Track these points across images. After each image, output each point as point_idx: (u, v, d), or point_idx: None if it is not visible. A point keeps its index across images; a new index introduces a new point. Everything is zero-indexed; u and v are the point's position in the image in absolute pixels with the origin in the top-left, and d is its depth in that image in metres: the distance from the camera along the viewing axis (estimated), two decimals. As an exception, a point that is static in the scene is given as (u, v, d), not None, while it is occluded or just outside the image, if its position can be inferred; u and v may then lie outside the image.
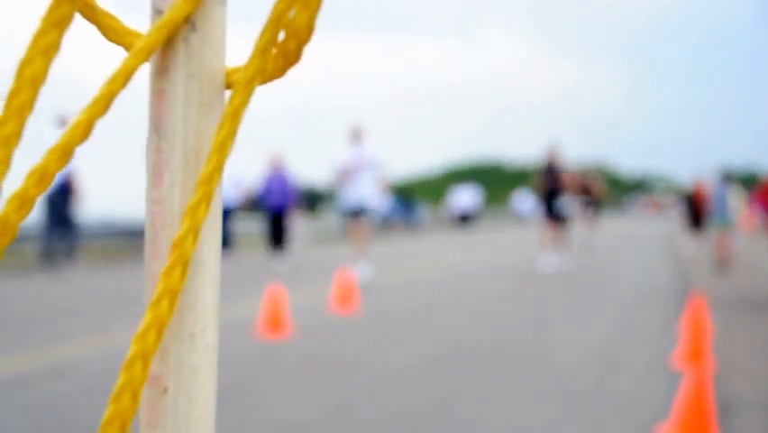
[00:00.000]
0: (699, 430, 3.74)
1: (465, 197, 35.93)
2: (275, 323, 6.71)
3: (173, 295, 0.41)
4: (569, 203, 13.56)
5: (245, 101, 0.43)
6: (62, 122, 11.87)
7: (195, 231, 0.41)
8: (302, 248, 20.75)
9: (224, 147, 0.42)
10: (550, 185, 13.50)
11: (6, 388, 4.76)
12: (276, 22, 0.42)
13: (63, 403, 4.41)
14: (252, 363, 5.61)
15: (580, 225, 20.15)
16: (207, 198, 0.41)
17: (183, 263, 0.41)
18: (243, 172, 15.30)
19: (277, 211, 14.20)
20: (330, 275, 11.02)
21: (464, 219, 35.39)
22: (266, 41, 0.43)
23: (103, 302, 8.77)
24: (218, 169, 0.42)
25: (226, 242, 14.90)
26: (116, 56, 0.42)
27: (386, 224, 31.92)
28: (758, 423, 4.28)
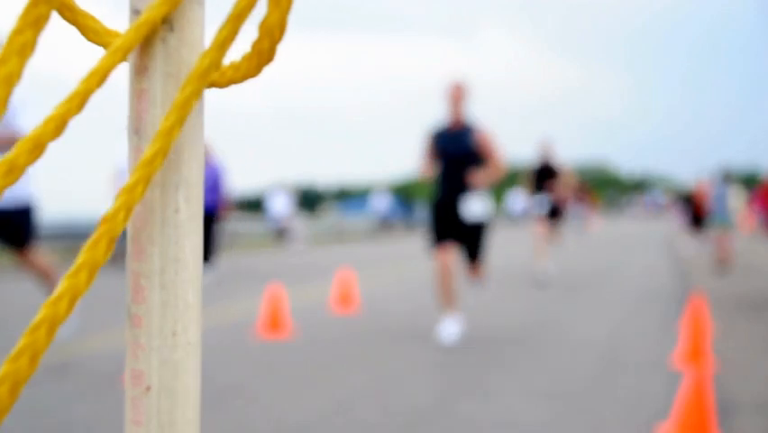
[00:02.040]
0: (699, 430, 3.74)
1: None
2: (275, 323, 6.71)
3: (93, 267, 0.41)
4: (483, 201, 6.66)
5: (196, 93, 0.43)
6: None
7: (127, 209, 0.42)
8: (302, 248, 20.76)
9: (170, 134, 0.42)
10: (452, 167, 6.66)
11: (6, 388, 4.76)
12: (236, 19, 0.43)
13: (63, 403, 4.42)
14: (252, 363, 5.62)
15: (538, 239, 12.03)
16: (146, 180, 0.42)
17: (110, 239, 0.42)
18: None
19: (204, 213, 11.81)
20: (330, 275, 11.02)
21: None
22: (224, 37, 0.43)
23: (101, 302, 8.77)
24: (161, 153, 0.42)
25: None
26: (97, 56, 0.42)
27: (385, 224, 31.95)
28: (758, 423, 4.28)
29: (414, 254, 17.98)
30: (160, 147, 0.42)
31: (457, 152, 6.63)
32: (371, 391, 4.81)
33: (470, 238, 6.69)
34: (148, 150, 0.42)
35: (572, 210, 29.63)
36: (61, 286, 0.40)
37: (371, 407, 4.41)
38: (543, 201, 12.00)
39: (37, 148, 0.38)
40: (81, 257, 0.40)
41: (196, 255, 0.45)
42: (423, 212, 37.24)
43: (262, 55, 0.44)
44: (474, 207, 6.62)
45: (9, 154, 0.37)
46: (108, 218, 0.41)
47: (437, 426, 4.08)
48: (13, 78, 0.36)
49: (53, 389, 4.74)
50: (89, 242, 0.41)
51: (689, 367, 5.30)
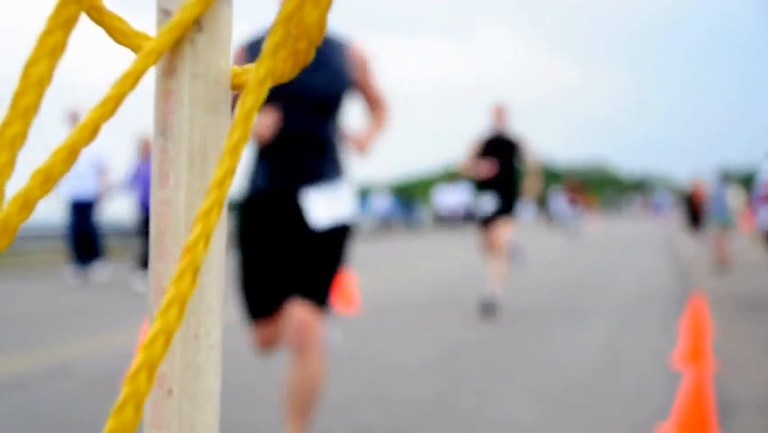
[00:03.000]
0: (699, 430, 3.74)
1: (451, 196, 34.90)
2: (275, 323, 6.71)
3: (183, 302, 0.40)
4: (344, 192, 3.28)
5: (258, 102, 0.43)
6: (74, 119, 10.51)
7: (206, 236, 0.41)
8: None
9: (236, 150, 0.42)
10: (295, 123, 3.22)
11: (6, 388, 4.76)
12: (286, 21, 0.42)
13: (63, 403, 4.41)
14: (253, 363, 5.61)
15: (488, 256, 8.55)
16: (220, 203, 0.41)
17: (194, 269, 0.41)
18: (105, 155, 10.79)
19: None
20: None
21: (451, 219, 34.50)
22: (276, 42, 0.43)
23: (102, 302, 8.77)
24: (231, 172, 0.42)
25: (95, 249, 10.97)
26: (124, 57, 0.42)
27: (385, 224, 31.94)
28: (758, 423, 4.28)
29: (414, 254, 17.98)
30: (228, 167, 0.41)
31: (308, 93, 3.22)
32: (371, 391, 4.81)
33: (315, 257, 3.23)
34: (217, 171, 0.42)
35: (569, 211, 29.54)
36: (155, 326, 0.39)
37: (371, 407, 4.41)
38: (488, 200, 8.34)
39: (72, 155, 0.37)
40: (170, 292, 0.39)
41: (220, 258, 0.45)
42: (423, 212, 36.80)
43: (299, 56, 0.44)
44: (329, 205, 3.25)
45: (44, 163, 0.37)
46: (189, 248, 0.41)
47: (437, 425, 4.08)
48: (44, 81, 0.36)
49: (53, 389, 4.74)
50: (175, 276, 0.40)
51: (689, 367, 5.30)
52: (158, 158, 0.44)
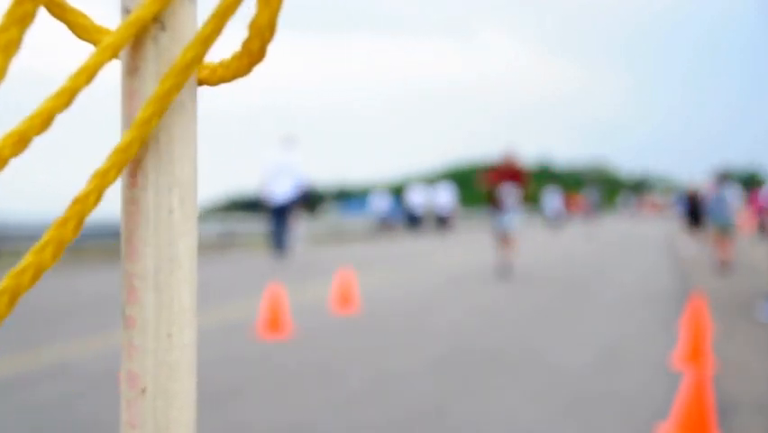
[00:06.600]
0: (699, 430, 3.73)
1: (417, 197, 33.87)
2: (275, 323, 6.71)
3: (60, 245, 0.41)
4: None
5: (177, 86, 0.43)
6: (288, 140, 13.04)
7: (98, 192, 0.42)
8: (302, 248, 20.77)
9: (146, 124, 0.42)
10: None
11: (6, 388, 4.76)
12: (222, 15, 0.42)
13: (63, 403, 4.41)
14: (252, 363, 5.61)
15: None
16: (118, 166, 0.42)
17: (79, 219, 0.42)
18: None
19: None
20: (330, 275, 11.02)
21: (414, 221, 33.47)
22: (208, 32, 0.43)
23: (102, 302, 8.77)
24: (136, 142, 0.42)
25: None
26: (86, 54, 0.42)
27: (385, 224, 31.94)
28: (758, 423, 4.28)
29: (414, 254, 17.98)
30: (135, 136, 0.42)
31: None
32: (371, 391, 4.81)
33: None
34: (124, 137, 0.42)
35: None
36: (26, 259, 0.40)
37: (371, 407, 4.41)
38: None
39: (22, 141, 0.37)
40: (49, 234, 0.41)
41: (191, 256, 0.45)
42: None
43: (252, 55, 0.44)
44: None
45: None
46: (79, 200, 0.42)
47: (437, 425, 4.07)
48: None
49: (53, 389, 4.74)
50: (58, 220, 0.41)
51: (689, 367, 5.30)
52: None
